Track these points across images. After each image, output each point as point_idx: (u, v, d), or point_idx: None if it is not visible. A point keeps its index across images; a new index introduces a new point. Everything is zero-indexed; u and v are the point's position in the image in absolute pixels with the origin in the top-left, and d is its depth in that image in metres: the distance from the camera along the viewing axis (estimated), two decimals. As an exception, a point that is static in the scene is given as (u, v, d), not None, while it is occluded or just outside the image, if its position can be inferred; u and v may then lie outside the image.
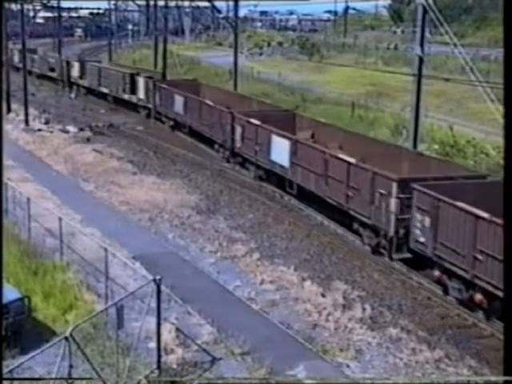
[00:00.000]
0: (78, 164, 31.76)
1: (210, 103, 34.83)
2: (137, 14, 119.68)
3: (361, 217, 21.66)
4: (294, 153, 25.82)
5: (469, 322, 17.23)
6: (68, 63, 59.69)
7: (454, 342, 16.09)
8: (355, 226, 22.18)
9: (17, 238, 19.55)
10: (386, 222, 20.21)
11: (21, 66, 63.98)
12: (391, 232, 20.13)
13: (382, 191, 20.40)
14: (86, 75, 56.20)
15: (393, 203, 19.97)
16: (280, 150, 26.71)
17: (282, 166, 26.78)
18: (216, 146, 34.02)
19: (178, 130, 40.14)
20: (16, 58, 66.94)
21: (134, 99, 46.99)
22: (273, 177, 28.23)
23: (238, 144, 30.87)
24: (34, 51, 71.50)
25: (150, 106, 43.96)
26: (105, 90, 51.94)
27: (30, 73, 64.33)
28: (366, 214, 21.31)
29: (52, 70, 63.14)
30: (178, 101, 39.31)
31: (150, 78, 45.89)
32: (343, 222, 23.33)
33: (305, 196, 25.79)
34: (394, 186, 19.95)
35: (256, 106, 35.06)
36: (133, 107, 47.15)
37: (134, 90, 46.93)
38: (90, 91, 55.43)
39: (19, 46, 73.29)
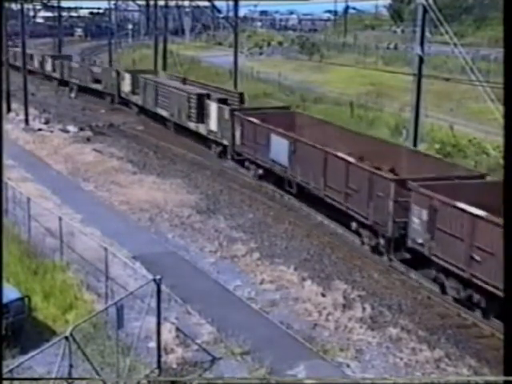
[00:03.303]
0: (78, 164, 31.75)
1: (351, 159, 22.23)
2: (137, 14, 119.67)
3: None
4: None
5: (469, 321, 17.23)
6: (118, 74, 48.94)
7: (454, 342, 16.09)
8: None
9: (17, 237, 19.54)
10: None
11: (55, 75, 62.19)
12: None
13: None
14: (139, 90, 45.12)
15: None
16: None
17: None
18: (355, 225, 22.10)
19: (274, 184, 27.98)
20: (49, 67, 63.18)
21: (202, 130, 35.03)
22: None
23: (419, 237, 18.69)
24: (68, 57, 64.37)
25: (226, 142, 32.41)
26: (163, 113, 40.40)
27: (67, 83, 58.55)
28: None
29: (97, 81, 52.89)
30: (279, 144, 26.85)
31: (224, 101, 34.25)
32: None
33: None
34: None
35: (416, 158, 22.64)
36: (201, 140, 35.42)
37: (202, 118, 34.91)
38: (143, 111, 44.30)
39: (51, 53, 71.69)
